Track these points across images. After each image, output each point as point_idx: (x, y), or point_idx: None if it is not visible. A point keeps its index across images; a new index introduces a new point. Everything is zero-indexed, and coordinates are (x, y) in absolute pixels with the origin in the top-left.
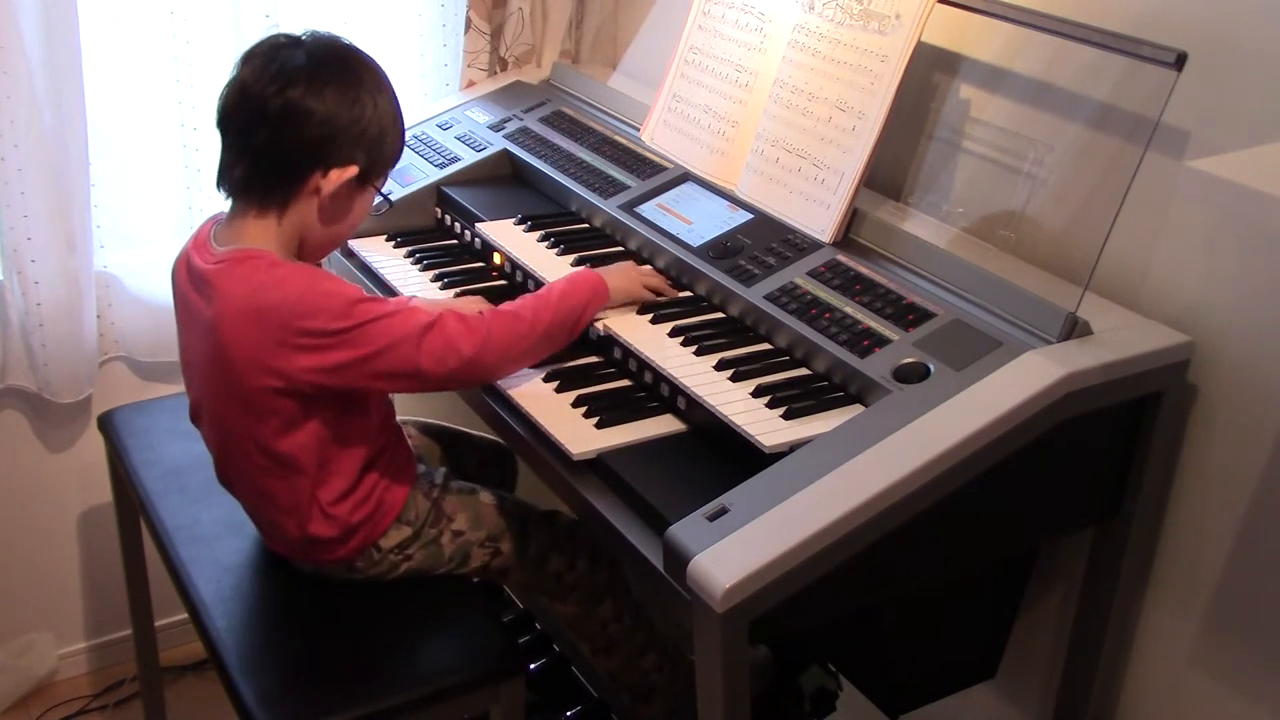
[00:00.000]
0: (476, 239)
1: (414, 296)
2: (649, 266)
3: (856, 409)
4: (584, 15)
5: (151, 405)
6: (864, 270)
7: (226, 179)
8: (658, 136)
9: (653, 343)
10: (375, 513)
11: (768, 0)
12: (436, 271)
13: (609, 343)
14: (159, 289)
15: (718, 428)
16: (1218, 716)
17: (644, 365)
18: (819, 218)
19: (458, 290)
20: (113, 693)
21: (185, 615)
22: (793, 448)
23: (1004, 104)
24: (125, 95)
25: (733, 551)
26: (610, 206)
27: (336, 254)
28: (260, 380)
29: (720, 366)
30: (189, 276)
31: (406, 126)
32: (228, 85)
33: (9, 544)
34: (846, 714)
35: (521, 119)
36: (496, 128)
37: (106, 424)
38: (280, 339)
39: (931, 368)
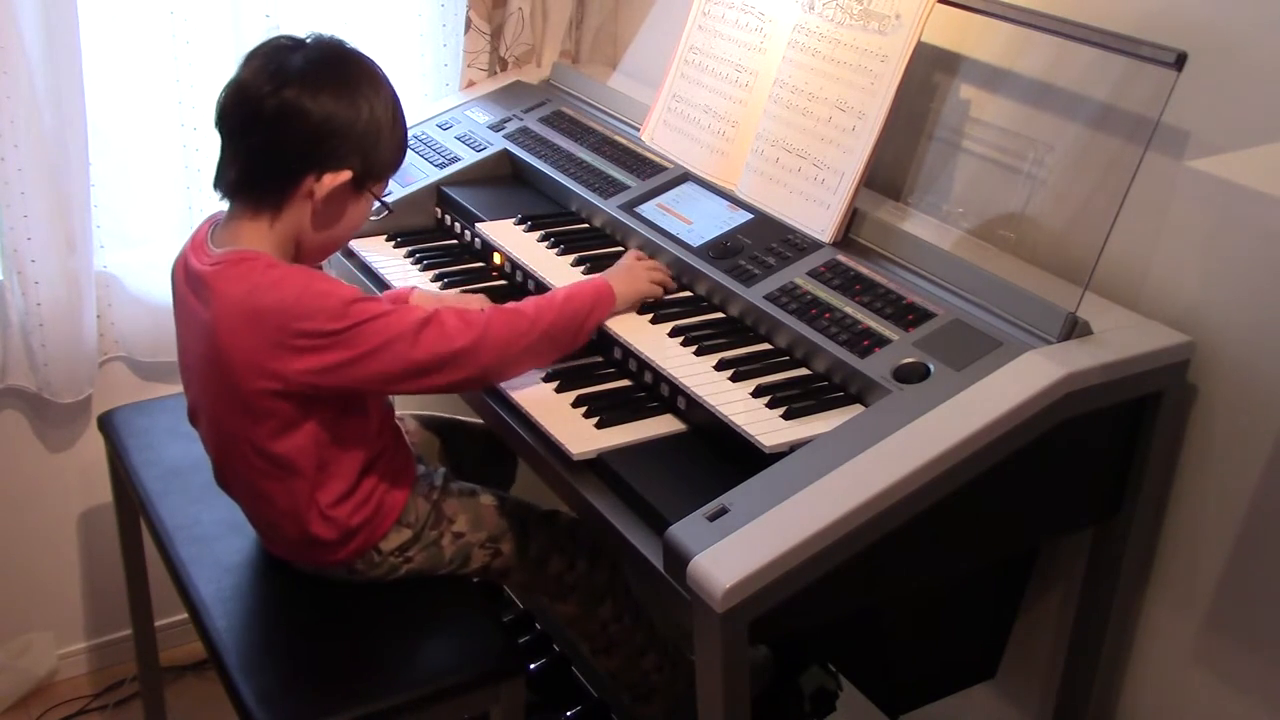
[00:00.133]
0: (476, 239)
1: (414, 287)
2: (653, 260)
3: (856, 409)
4: (584, 15)
5: (151, 405)
6: (864, 270)
7: (222, 179)
8: (658, 136)
9: (653, 343)
10: (375, 515)
11: (768, 0)
12: (436, 271)
13: (609, 343)
14: (159, 289)
15: (718, 428)
16: (1218, 716)
17: (644, 365)
18: (819, 218)
19: (458, 291)
20: (113, 693)
21: (185, 615)
22: (793, 448)
23: (1004, 104)
24: (125, 95)
25: (733, 551)
26: (610, 206)
27: (336, 254)
28: (257, 382)
29: (720, 366)
30: (186, 278)
31: (408, 130)
32: (227, 85)
33: (9, 544)
34: (846, 714)
35: (521, 119)
36: (496, 128)
37: (106, 424)
38: (277, 340)
39: (931, 368)
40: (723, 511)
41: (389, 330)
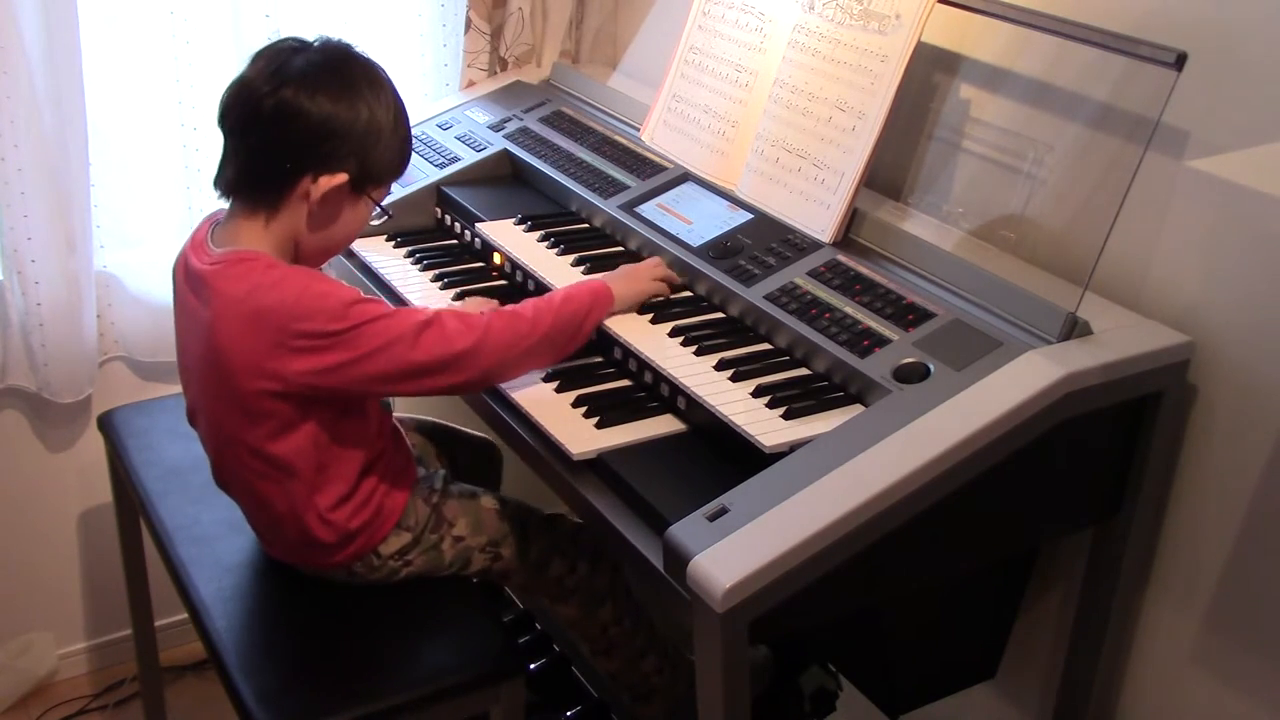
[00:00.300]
0: (476, 239)
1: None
2: (656, 258)
3: (856, 409)
4: (584, 15)
5: (151, 405)
6: (864, 270)
7: (221, 178)
8: (658, 136)
9: (653, 343)
10: (374, 519)
11: (768, 0)
12: (437, 272)
13: (609, 343)
14: (159, 289)
15: (718, 428)
16: (1218, 716)
17: (644, 365)
18: (819, 218)
19: (458, 290)
20: (113, 693)
21: (185, 615)
22: (793, 448)
23: (1004, 104)
24: (125, 95)
25: (733, 551)
26: (610, 206)
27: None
28: (256, 383)
29: (720, 366)
30: (186, 277)
31: (412, 134)
32: (230, 83)
33: (9, 544)
34: (846, 714)
35: (521, 119)
36: (496, 128)
37: (106, 424)
38: (277, 341)
39: (931, 368)
40: (723, 511)
41: (389, 332)
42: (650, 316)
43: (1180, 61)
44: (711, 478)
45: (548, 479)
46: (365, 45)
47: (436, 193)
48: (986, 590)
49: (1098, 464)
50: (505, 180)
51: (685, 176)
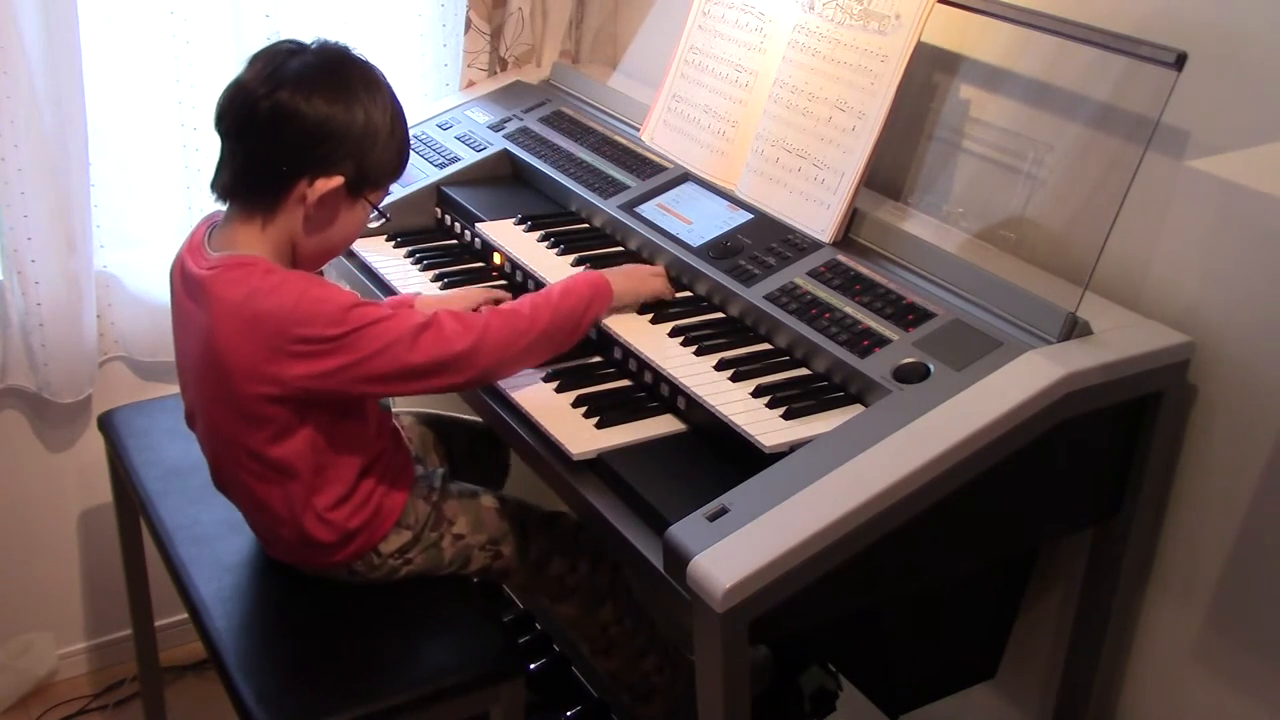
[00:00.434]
0: (476, 239)
1: (418, 294)
2: (659, 266)
3: (856, 409)
4: (584, 15)
5: (151, 405)
6: (864, 270)
7: (217, 181)
8: (658, 136)
9: (653, 343)
10: (374, 518)
11: (768, 0)
12: (436, 271)
13: (609, 343)
14: (159, 289)
15: (718, 428)
16: (1218, 716)
17: (644, 365)
18: (819, 218)
19: (445, 282)
20: (113, 693)
21: (185, 615)
22: (793, 448)
23: (1004, 104)
24: (125, 95)
25: (733, 552)
26: (610, 206)
27: None
28: (255, 388)
29: (720, 366)
30: (183, 281)
31: (410, 137)
32: (227, 86)
33: (9, 544)
34: (846, 714)
35: (521, 119)
36: (496, 128)
37: (106, 424)
38: (275, 346)
39: (931, 368)
40: (723, 511)
41: (387, 335)
42: (650, 316)
43: (1180, 61)
44: (711, 478)
45: (548, 479)
46: (365, 45)
47: (436, 193)
48: (986, 590)
49: (1098, 464)
50: (505, 180)
51: (685, 176)
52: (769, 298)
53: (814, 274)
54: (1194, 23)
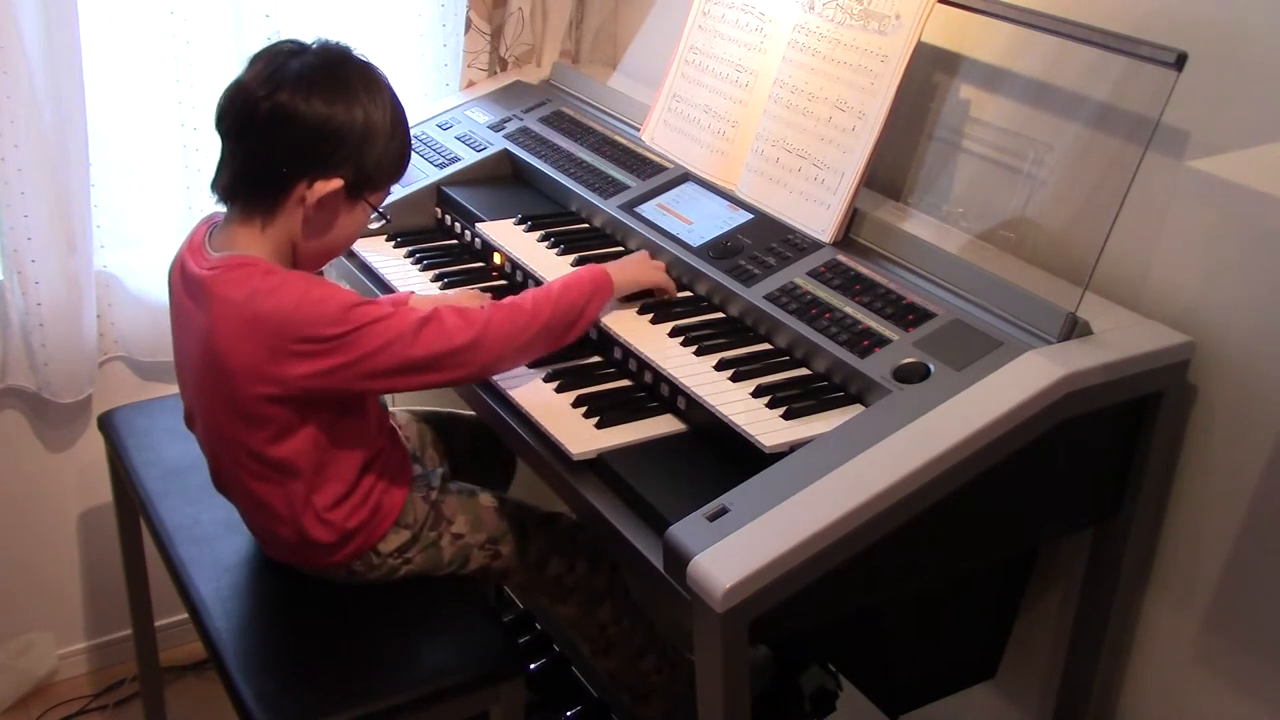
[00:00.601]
0: (476, 239)
1: (412, 291)
2: (659, 262)
3: (856, 409)
4: (584, 15)
5: (151, 405)
6: (864, 270)
7: (217, 182)
8: (658, 136)
9: (653, 343)
10: (373, 517)
11: (768, 0)
12: (437, 271)
13: (609, 343)
14: (159, 289)
15: (718, 428)
16: (1218, 716)
17: (644, 365)
18: (819, 218)
19: (457, 291)
20: (113, 693)
21: (185, 615)
22: (793, 448)
23: (1004, 104)
24: (125, 95)
25: (732, 552)
26: (610, 206)
27: None
28: (256, 388)
29: (720, 366)
30: (183, 281)
31: (411, 138)
32: (228, 86)
33: (9, 544)
34: (846, 714)
35: (521, 119)
36: (496, 128)
37: (106, 424)
38: (276, 347)
39: (931, 368)
40: (723, 511)
41: (388, 332)
42: (650, 317)
43: (1180, 61)
44: (711, 478)
45: (548, 479)
46: (365, 45)
47: (436, 193)
48: (986, 590)
49: (1098, 464)
50: (505, 180)
51: (685, 176)
52: (769, 298)
53: (814, 274)
54: (1194, 23)
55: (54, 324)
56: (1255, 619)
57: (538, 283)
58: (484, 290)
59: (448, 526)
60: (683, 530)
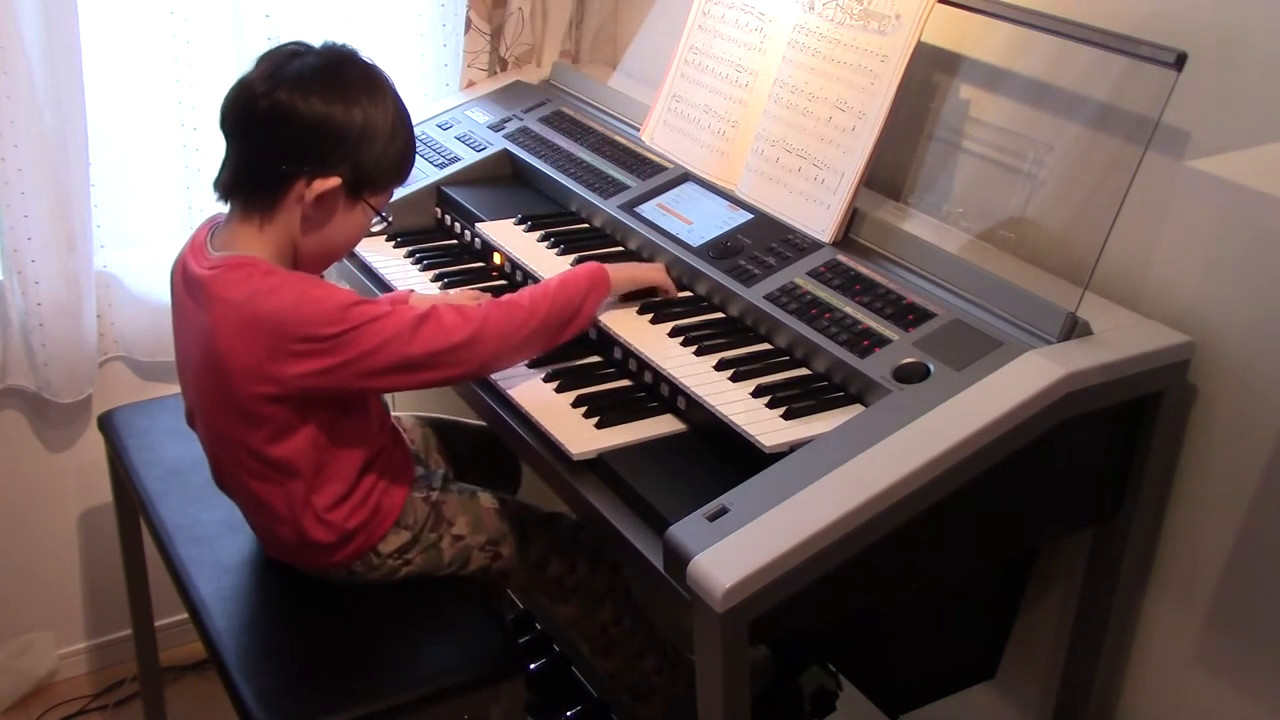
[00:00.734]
0: (476, 239)
1: (412, 290)
2: (659, 263)
3: (856, 409)
4: (584, 15)
5: (151, 405)
6: (864, 270)
7: (219, 181)
8: (658, 136)
9: (653, 343)
10: (373, 517)
11: (768, 0)
12: (437, 271)
13: (609, 343)
14: (159, 289)
15: (718, 428)
16: (1218, 715)
17: (644, 365)
18: (819, 218)
19: (458, 291)
20: (113, 693)
21: (185, 615)
22: (793, 448)
23: (1004, 104)
24: (125, 95)
25: (733, 551)
26: (610, 206)
27: None
28: (255, 388)
29: (720, 366)
30: (185, 281)
31: (414, 141)
32: (231, 86)
33: (9, 544)
34: (846, 714)
35: (521, 119)
36: (496, 128)
37: (106, 424)
38: (275, 346)
39: (931, 368)
40: (723, 511)
41: (386, 330)
42: (650, 316)
43: (1180, 62)
44: (711, 478)
45: (548, 479)
46: (365, 45)
47: (436, 193)
48: (986, 590)
49: (1098, 464)
50: (505, 180)
51: (685, 176)
52: (769, 298)
53: (814, 274)
54: (1194, 23)
55: (54, 324)
56: (1255, 619)
57: (537, 283)
58: (484, 290)
59: (448, 528)
60: (683, 530)
